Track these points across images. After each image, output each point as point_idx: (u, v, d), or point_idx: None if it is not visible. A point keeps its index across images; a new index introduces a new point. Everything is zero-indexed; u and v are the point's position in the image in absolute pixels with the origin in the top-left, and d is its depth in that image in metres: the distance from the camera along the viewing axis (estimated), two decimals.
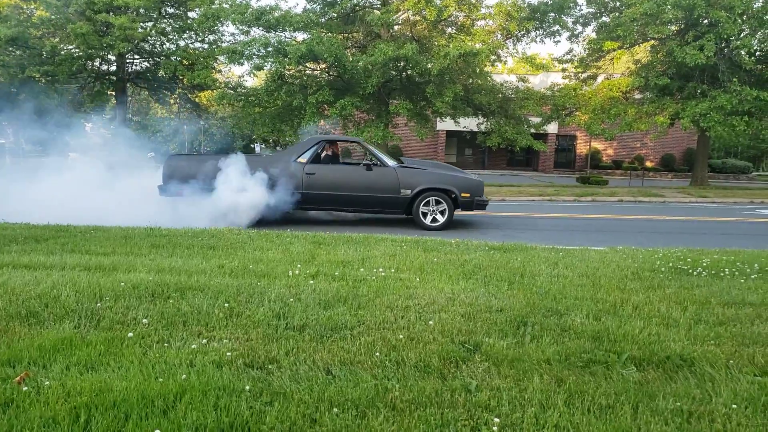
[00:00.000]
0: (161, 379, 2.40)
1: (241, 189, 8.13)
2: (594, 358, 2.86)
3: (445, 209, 8.69)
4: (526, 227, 9.59)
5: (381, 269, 4.75)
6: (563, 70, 22.15)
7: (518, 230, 9.10)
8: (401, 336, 3.10)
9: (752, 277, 4.89)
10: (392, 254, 5.63)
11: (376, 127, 17.17)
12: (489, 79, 19.38)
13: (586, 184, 20.51)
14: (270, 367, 2.66)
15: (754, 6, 18.26)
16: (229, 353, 2.76)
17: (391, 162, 9.03)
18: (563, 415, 2.23)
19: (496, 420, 2.17)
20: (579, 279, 4.70)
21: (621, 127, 19.33)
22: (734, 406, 2.33)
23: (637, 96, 20.54)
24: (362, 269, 4.78)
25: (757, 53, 18.55)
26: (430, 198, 8.66)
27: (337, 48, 16.20)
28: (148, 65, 24.42)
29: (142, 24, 21.70)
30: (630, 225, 10.42)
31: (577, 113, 20.63)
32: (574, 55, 21.67)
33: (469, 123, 20.77)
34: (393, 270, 4.77)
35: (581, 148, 32.37)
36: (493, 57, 19.08)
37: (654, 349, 3.00)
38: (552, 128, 25.85)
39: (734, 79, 17.73)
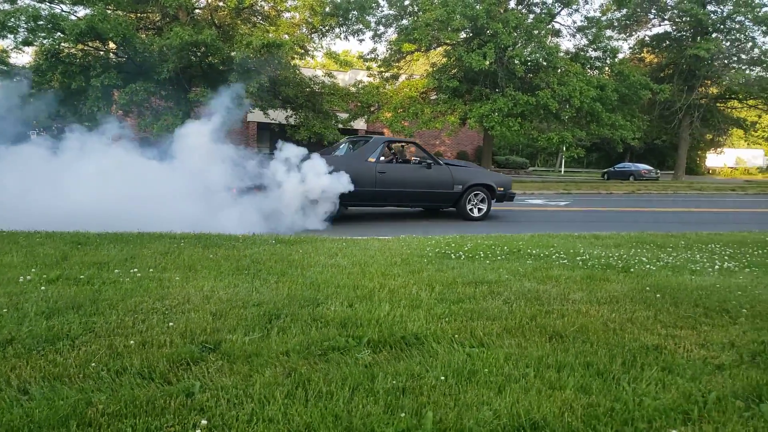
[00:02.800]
0: None
1: (327, 186, 8.51)
2: (335, 345, 2.90)
3: (485, 201, 10.18)
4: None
5: (138, 269, 4.33)
6: (368, 68, 23.10)
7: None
8: (132, 342, 2.80)
9: (499, 258, 5.54)
10: (164, 252, 5.22)
11: (174, 115, 15.96)
12: (297, 72, 19.32)
13: None
14: None
15: (526, 22, 21.06)
16: None
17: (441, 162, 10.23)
18: (280, 408, 2.20)
19: (204, 422, 2.04)
20: (351, 267, 4.84)
21: (419, 125, 20.84)
22: (443, 378, 2.53)
23: (433, 97, 22.35)
24: (118, 270, 4.31)
25: (529, 63, 21.43)
26: (477, 192, 10.10)
27: (125, 27, 14.69)
28: None
29: None
30: (422, 215, 11.20)
31: (382, 110, 21.73)
32: (378, 55, 22.75)
33: (279, 116, 20.51)
34: (153, 270, 4.38)
35: None
36: (301, 51, 19.08)
37: (394, 330, 3.15)
38: (361, 124, 26.86)
39: (510, 85, 20.26)
